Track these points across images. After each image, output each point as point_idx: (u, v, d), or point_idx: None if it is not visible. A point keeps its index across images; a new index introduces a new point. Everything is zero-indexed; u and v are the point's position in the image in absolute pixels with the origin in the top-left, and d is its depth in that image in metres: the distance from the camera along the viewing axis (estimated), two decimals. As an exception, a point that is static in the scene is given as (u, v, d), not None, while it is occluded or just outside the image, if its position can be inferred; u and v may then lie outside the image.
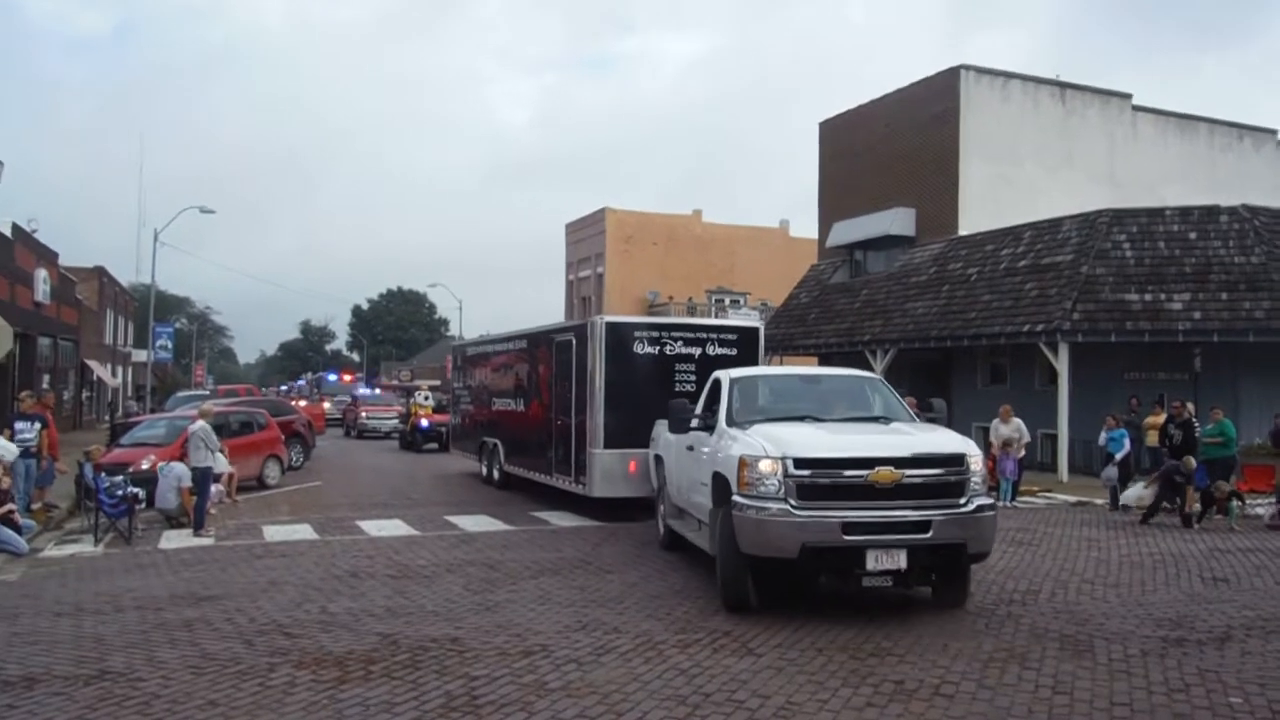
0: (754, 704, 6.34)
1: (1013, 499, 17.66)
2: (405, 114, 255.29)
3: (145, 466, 16.06)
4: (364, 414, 41.98)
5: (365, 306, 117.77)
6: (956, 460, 8.53)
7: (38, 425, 15.20)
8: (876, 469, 8.23)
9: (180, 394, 38.49)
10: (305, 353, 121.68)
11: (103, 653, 7.71)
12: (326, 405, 49.81)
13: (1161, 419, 17.98)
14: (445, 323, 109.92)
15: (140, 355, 55.61)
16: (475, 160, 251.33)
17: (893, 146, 31.76)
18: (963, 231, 28.69)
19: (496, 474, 20.17)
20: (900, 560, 8.13)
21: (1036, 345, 22.80)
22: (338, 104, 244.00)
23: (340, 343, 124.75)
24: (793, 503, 8.26)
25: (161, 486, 14.95)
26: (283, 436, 22.30)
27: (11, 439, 14.36)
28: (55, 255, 38.79)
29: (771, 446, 8.60)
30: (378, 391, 55.18)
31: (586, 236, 56.40)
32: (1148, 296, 22.08)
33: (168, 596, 9.86)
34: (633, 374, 14.80)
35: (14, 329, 21.85)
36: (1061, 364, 21.99)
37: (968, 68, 30.31)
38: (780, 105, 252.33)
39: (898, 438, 9.02)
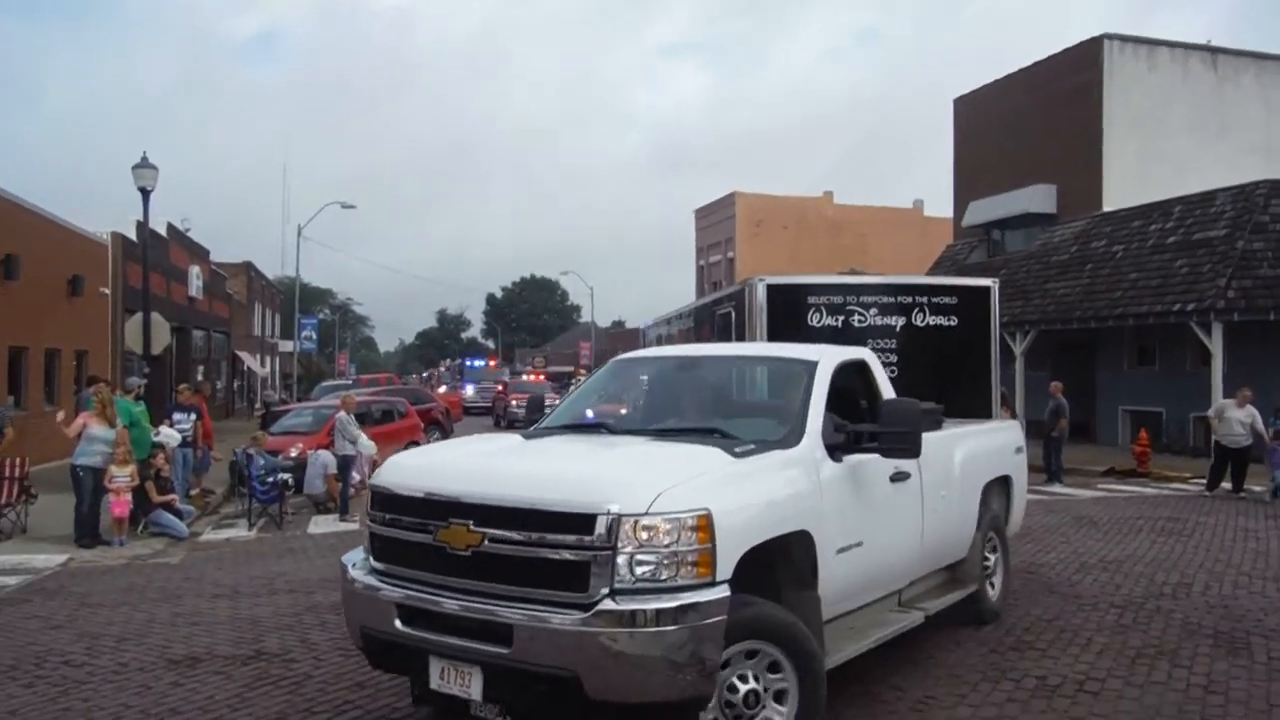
0: (890, 697, 6.25)
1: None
2: (538, 108, 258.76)
3: (294, 454, 16.74)
4: (514, 403, 38.23)
5: (499, 295, 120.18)
6: (579, 521, 4.56)
7: (193, 416, 16.00)
8: (450, 522, 4.88)
9: (325, 383, 39.98)
10: (442, 340, 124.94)
11: (258, 634, 8.07)
12: (468, 391, 50.67)
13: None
14: (577, 309, 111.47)
15: (286, 345, 57.97)
16: (608, 150, 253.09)
17: (1032, 122, 30.70)
18: (1107, 208, 27.59)
19: None
20: (473, 685, 4.72)
21: (1187, 325, 21.78)
22: (475, 102, 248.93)
23: (475, 330, 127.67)
24: (372, 562, 5.37)
25: (309, 473, 15.63)
26: (422, 424, 22.93)
27: (170, 427, 15.12)
28: (207, 252, 40.67)
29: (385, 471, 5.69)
30: (529, 378, 53.30)
31: (716, 221, 56.30)
32: (1311, 271, 20.85)
33: (318, 580, 10.26)
34: None
35: (170, 323, 23.01)
36: (1215, 344, 20.95)
37: (1111, 36, 29.08)
38: (917, 83, 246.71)
39: (569, 466, 5.36)
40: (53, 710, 6.26)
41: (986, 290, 11.18)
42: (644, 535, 4.48)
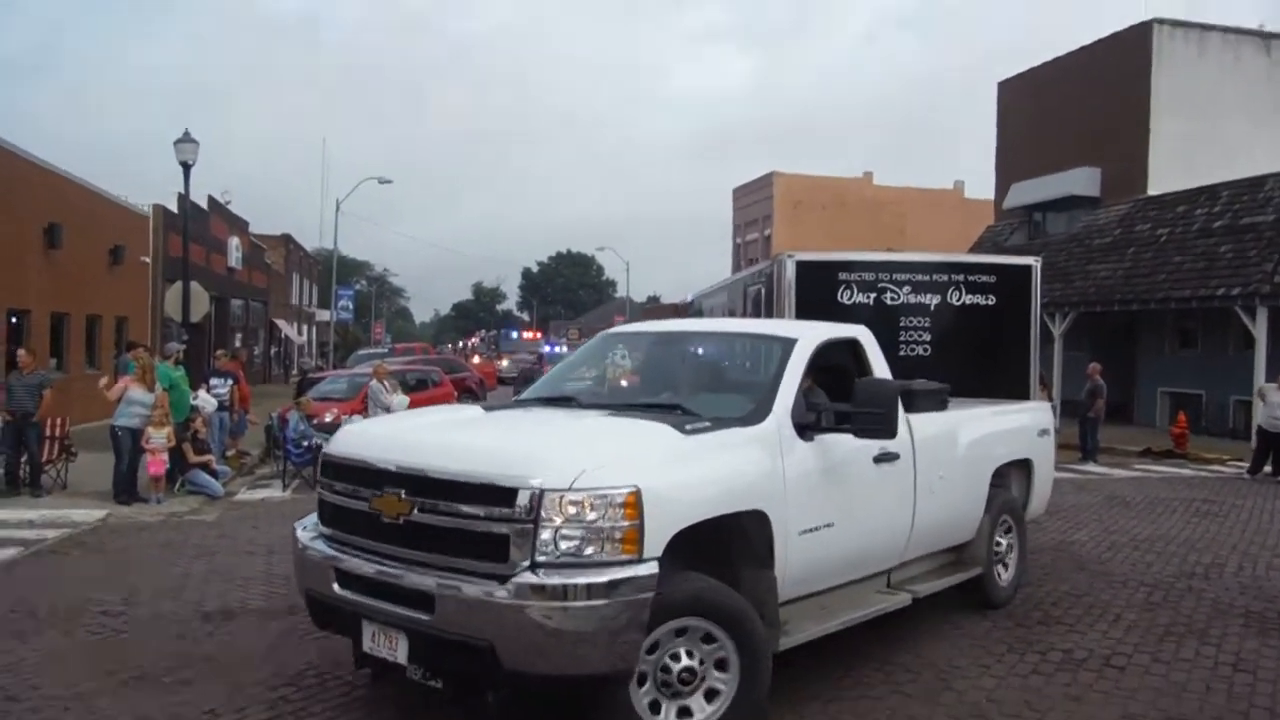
0: (914, 665, 6.27)
1: None
2: (580, 89, 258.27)
3: (329, 419, 16.90)
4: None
5: (535, 269, 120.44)
6: (502, 494, 4.57)
7: (230, 381, 16.22)
8: (384, 490, 4.97)
9: (361, 351, 40.33)
10: (477, 313, 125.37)
11: (290, 591, 8.17)
12: (504, 363, 50.89)
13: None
14: (613, 284, 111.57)
15: (324, 315, 58.51)
16: (648, 131, 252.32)
17: (1077, 105, 30.20)
18: (1152, 192, 27.19)
19: None
20: (400, 649, 4.81)
21: (1231, 310, 21.46)
22: (517, 83, 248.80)
23: (511, 303, 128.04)
24: (320, 527, 5.51)
25: (343, 438, 15.76)
26: (456, 394, 23.09)
27: (208, 392, 15.34)
28: (246, 224, 41.09)
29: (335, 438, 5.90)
30: (565, 350, 52.09)
31: (754, 201, 56.03)
32: (1358, 258, 20.45)
33: (348, 541, 10.35)
34: None
35: (210, 293, 23.29)
36: (1259, 329, 20.63)
37: (1161, 21, 28.53)
38: (959, 67, 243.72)
39: (503, 439, 5.36)
40: (92, 656, 6.41)
41: (1028, 269, 10.90)
42: (568, 510, 4.48)
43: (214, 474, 13.58)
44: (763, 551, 5.29)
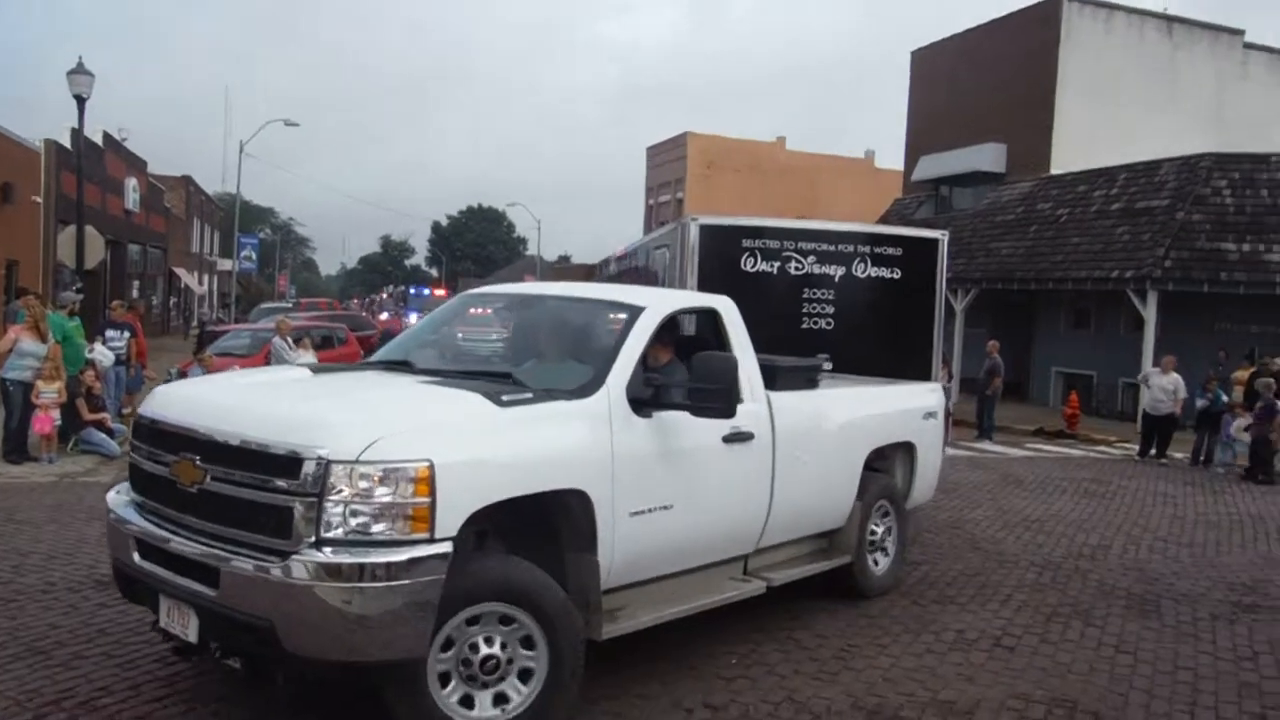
0: (812, 643, 6.41)
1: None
2: (495, 38, 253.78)
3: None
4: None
5: (445, 223, 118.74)
6: (288, 464, 4.28)
7: (127, 334, 15.66)
8: (181, 456, 4.67)
9: (264, 305, 39.41)
10: (385, 266, 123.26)
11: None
12: (411, 320, 50.33)
13: (1249, 373, 17.46)
14: (524, 241, 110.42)
15: (226, 264, 57.02)
16: (561, 84, 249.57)
17: (987, 78, 30.79)
18: (1055, 170, 27.91)
19: None
20: (191, 626, 4.55)
21: (1124, 292, 22.22)
22: (430, 30, 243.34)
23: (419, 258, 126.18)
24: (131, 493, 5.18)
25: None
26: (361, 352, 22.72)
27: (104, 344, 14.81)
28: (144, 164, 39.66)
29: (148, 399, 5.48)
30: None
31: (667, 161, 55.98)
32: (1246, 247, 21.33)
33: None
34: (739, 301, 9.81)
35: (105, 237, 22.48)
36: (1149, 312, 21.41)
37: (1070, -2, 29.19)
38: (880, 34, 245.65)
39: (301, 404, 4.94)
40: (-25, 628, 6.20)
41: (934, 243, 10.88)
42: (357, 483, 4.19)
43: (109, 432, 13.18)
44: (586, 533, 5.02)
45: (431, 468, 4.26)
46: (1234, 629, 7.21)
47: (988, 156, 30.16)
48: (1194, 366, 18.55)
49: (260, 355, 17.06)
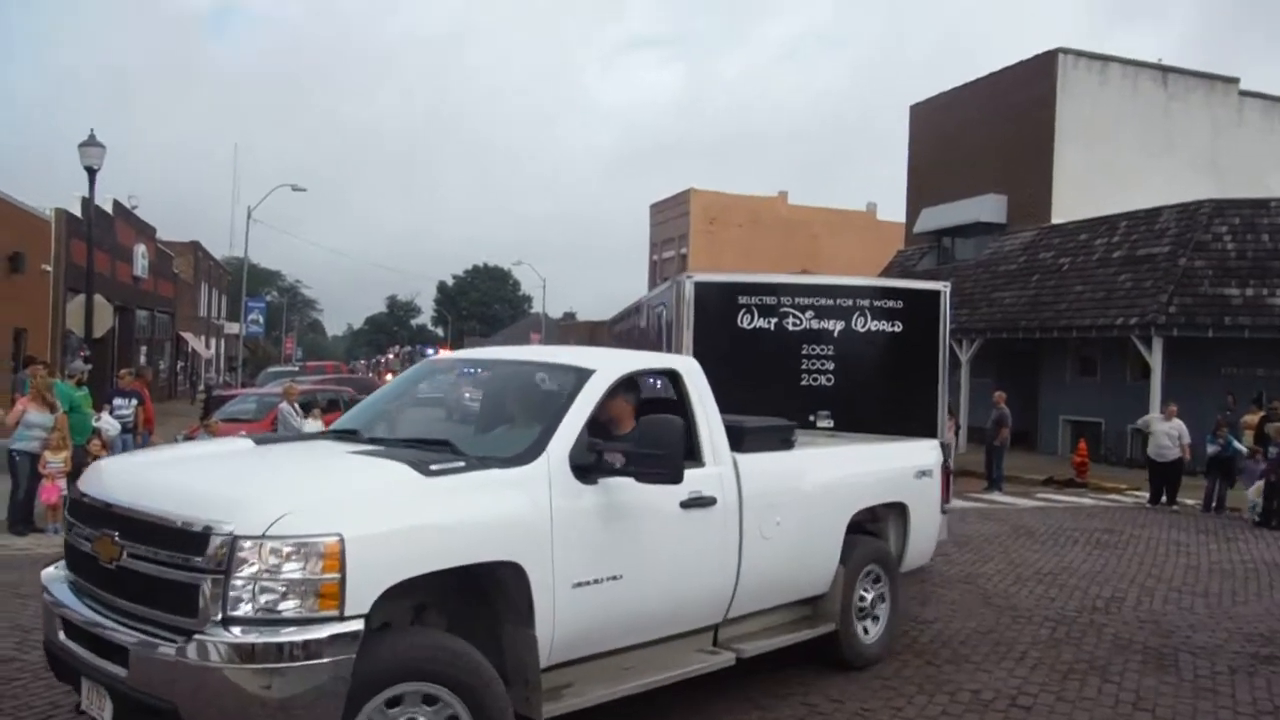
0: (828, 708, 6.32)
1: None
2: (500, 101, 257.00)
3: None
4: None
5: (450, 282, 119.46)
6: (196, 539, 4.16)
7: (134, 401, 15.72)
8: (101, 532, 4.57)
9: (271, 369, 39.56)
10: (391, 327, 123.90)
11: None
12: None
13: (1259, 417, 17.40)
14: (529, 300, 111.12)
15: (233, 327, 57.24)
16: (567, 144, 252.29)
17: (985, 131, 31.09)
18: (1056, 220, 28.07)
19: None
20: (105, 710, 4.41)
21: (1129, 339, 22.23)
22: (437, 93, 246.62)
23: (425, 317, 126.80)
24: (65, 570, 5.08)
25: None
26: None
27: (110, 413, 14.86)
28: (153, 230, 40.10)
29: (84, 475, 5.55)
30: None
31: (670, 217, 56.45)
32: (1249, 291, 21.40)
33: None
34: (736, 359, 9.83)
35: (114, 303, 22.64)
36: (1155, 359, 21.40)
37: (1065, 51, 29.58)
38: (878, 89, 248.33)
39: (218, 478, 4.87)
40: (-20, 707, 6.14)
41: (936, 295, 10.67)
42: (264, 559, 4.04)
43: (115, 500, 13.15)
44: (523, 607, 4.79)
45: (341, 542, 4.10)
46: (1253, 682, 7.11)
47: (988, 207, 30.35)
48: (1202, 412, 18.50)
49: (267, 420, 17.10)
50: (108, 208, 31.84)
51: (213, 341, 56.77)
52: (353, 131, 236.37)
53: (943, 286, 10.82)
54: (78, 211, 26.88)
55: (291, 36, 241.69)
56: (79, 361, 17.93)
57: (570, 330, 68.90)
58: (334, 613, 4.08)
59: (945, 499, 8.21)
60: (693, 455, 5.74)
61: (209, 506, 4.24)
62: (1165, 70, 31.04)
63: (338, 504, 4.31)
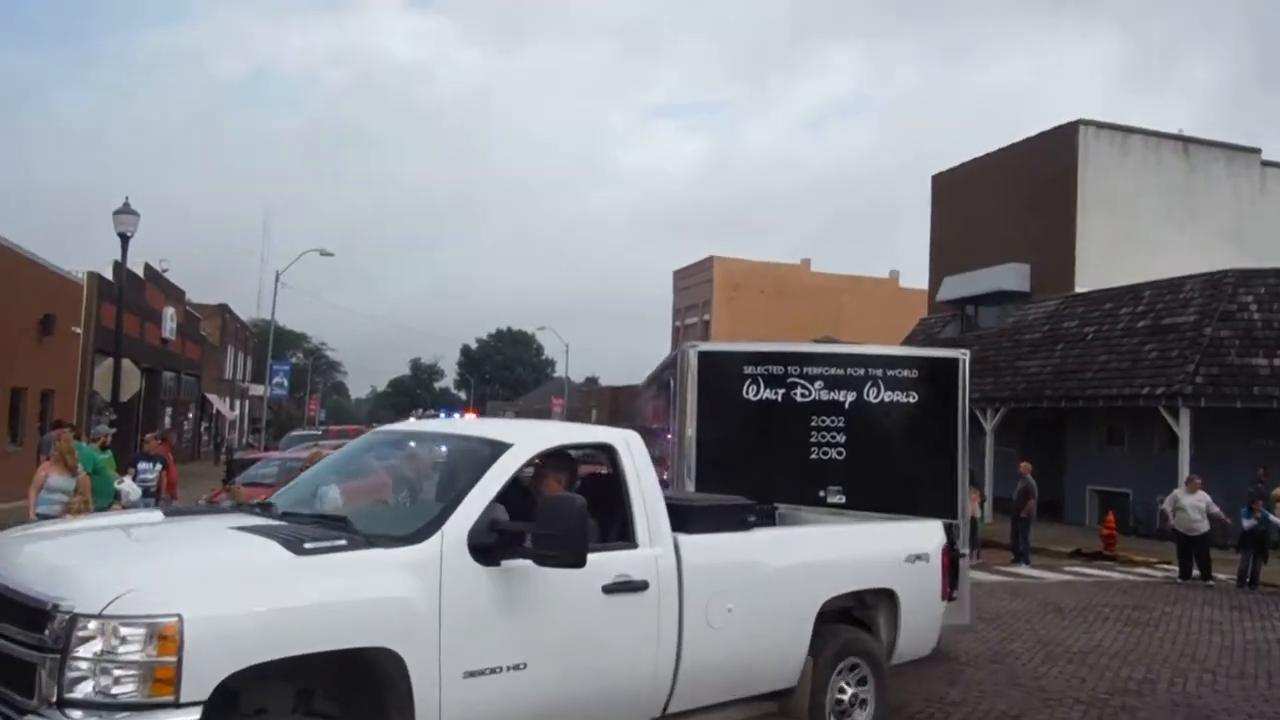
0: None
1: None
2: (523, 167, 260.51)
3: (258, 507, 16.48)
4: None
5: (474, 346, 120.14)
6: (35, 616, 4.04)
7: (159, 465, 15.75)
8: None
9: (295, 433, 39.72)
10: (414, 389, 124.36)
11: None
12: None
13: (1291, 491, 17.13)
14: (552, 364, 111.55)
15: (258, 389, 57.68)
16: (588, 210, 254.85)
17: (1008, 201, 31.15)
18: (1079, 289, 27.97)
19: None
20: None
21: (1155, 409, 22.02)
22: (460, 157, 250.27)
23: (448, 380, 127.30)
24: None
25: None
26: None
27: (134, 478, 14.89)
28: (182, 294, 40.60)
29: None
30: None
31: (694, 284, 56.73)
32: (1277, 361, 21.18)
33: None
34: (742, 431, 9.74)
35: (141, 365, 22.86)
36: (1183, 429, 21.16)
37: (1086, 122, 29.69)
38: (900, 158, 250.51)
39: (69, 552, 4.72)
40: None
41: (954, 363, 10.20)
42: (106, 639, 3.84)
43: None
44: (404, 696, 4.47)
45: (180, 623, 3.86)
46: (1292, 772, 6.91)
47: (1011, 276, 30.31)
48: (1233, 483, 18.24)
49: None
50: (139, 271, 32.27)
51: (237, 403, 57.14)
52: (380, 195, 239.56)
53: (961, 354, 10.36)
54: (109, 274, 27.23)
55: (324, 103, 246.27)
56: (103, 425, 18.03)
57: (592, 396, 69.01)
58: (169, 698, 3.85)
59: (948, 587, 7.44)
60: (625, 536, 5.49)
61: (59, 583, 4.07)
62: (1186, 141, 31.12)
63: (186, 583, 4.09)
